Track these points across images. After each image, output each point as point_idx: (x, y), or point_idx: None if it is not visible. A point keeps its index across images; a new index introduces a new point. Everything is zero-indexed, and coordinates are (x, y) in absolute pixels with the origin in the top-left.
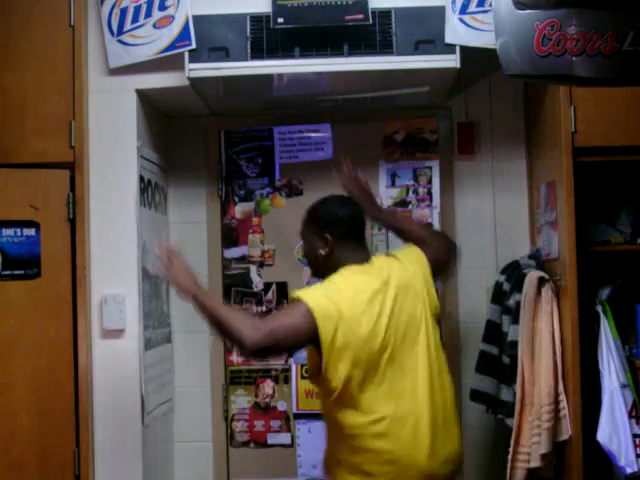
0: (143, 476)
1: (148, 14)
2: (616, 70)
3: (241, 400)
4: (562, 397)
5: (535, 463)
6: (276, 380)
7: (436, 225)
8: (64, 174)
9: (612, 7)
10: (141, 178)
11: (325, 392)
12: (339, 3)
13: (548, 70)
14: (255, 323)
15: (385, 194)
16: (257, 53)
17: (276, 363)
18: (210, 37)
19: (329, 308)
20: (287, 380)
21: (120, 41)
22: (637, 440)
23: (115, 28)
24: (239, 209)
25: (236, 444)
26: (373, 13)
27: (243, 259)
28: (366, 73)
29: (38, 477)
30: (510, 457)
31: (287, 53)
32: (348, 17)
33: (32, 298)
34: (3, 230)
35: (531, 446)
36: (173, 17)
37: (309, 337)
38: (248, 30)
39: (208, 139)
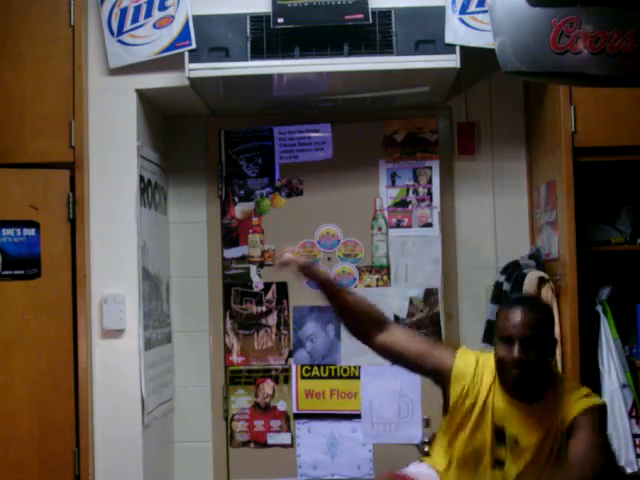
0: (143, 476)
1: (148, 14)
2: (632, 69)
3: (241, 400)
4: None
5: None
6: (276, 380)
7: (436, 225)
8: (64, 174)
9: (633, 6)
10: (141, 178)
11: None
12: (339, 3)
13: (558, 67)
14: None
15: (385, 194)
16: (257, 53)
17: (276, 363)
18: (210, 37)
19: None
20: (287, 380)
21: (120, 41)
22: (637, 440)
23: (115, 28)
24: (239, 209)
25: (236, 444)
26: (373, 13)
27: (243, 259)
28: (366, 73)
29: (38, 477)
30: None
31: (287, 53)
32: (348, 17)
33: (32, 298)
34: (3, 230)
35: None
36: (173, 17)
37: None
38: (248, 30)
39: (208, 139)
